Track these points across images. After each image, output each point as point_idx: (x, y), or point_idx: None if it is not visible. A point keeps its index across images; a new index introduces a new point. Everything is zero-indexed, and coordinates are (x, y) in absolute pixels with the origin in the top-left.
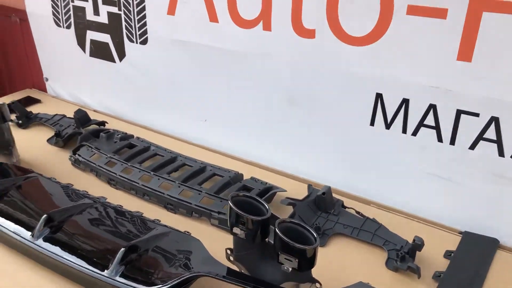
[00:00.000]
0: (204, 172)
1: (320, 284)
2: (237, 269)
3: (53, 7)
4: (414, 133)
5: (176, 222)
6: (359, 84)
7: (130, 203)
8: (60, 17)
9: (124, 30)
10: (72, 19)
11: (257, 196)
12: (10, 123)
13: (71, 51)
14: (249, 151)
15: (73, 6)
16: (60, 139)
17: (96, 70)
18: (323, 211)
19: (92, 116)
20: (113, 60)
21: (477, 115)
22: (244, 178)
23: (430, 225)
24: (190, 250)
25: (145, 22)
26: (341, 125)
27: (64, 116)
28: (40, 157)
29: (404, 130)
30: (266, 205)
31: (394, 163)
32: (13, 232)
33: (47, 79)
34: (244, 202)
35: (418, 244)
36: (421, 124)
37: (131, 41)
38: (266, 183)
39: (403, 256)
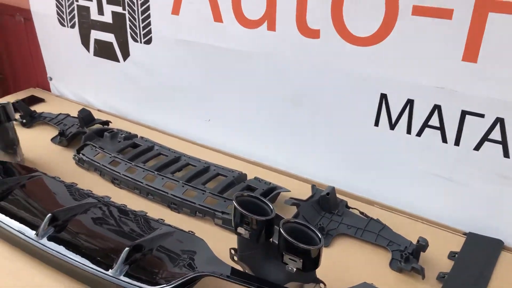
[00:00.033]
0: (207, 172)
1: (325, 285)
2: (241, 269)
3: (57, 6)
4: (419, 134)
5: (179, 222)
6: (364, 84)
7: (134, 202)
8: (65, 17)
9: (128, 30)
10: (76, 19)
11: (261, 196)
12: (14, 122)
13: (75, 51)
14: (253, 151)
15: (78, 5)
16: (64, 138)
17: (100, 69)
18: (327, 212)
19: (96, 115)
20: (117, 60)
21: (482, 116)
22: (248, 178)
23: (434, 226)
24: (194, 250)
25: (150, 22)
26: (345, 125)
27: (68, 115)
28: (44, 156)
29: (409, 131)
30: (271, 205)
31: (399, 164)
32: (17, 231)
33: (51, 79)
34: (248, 202)
35: (422, 245)
36: (425, 124)
37: (135, 40)
38: (270, 183)
39: (407, 257)
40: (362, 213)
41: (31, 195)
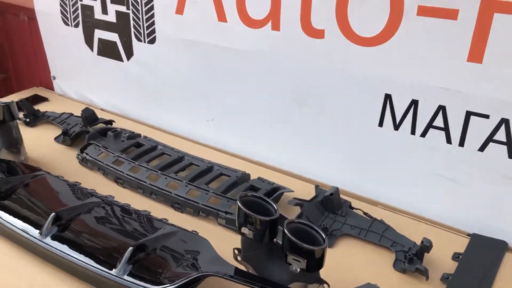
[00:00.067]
0: (211, 172)
1: (328, 285)
2: (245, 269)
3: (61, 5)
4: (423, 135)
5: (183, 221)
6: (368, 84)
7: (137, 202)
8: (68, 16)
9: (132, 29)
10: (80, 18)
11: (265, 196)
12: (18, 121)
13: (79, 50)
14: (256, 151)
15: (81, 4)
16: (68, 138)
17: (104, 69)
18: (331, 212)
19: (99, 114)
20: (120, 59)
21: (487, 116)
22: (251, 178)
23: (438, 226)
24: (197, 250)
25: (153, 21)
26: (349, 125)
27: (71, 114)
28: (48, 155)
29: (413, 131)
30: (275, 206)
31: (402, 164)
32: (21, 230)
33: (54, 78)
34: (252, 202)
35: (426, 246)
36: (430, 125)
37: (139, 40)
38: (274, 183)
39: (411, 257)
40: (365, 213)
41: (35, 194)
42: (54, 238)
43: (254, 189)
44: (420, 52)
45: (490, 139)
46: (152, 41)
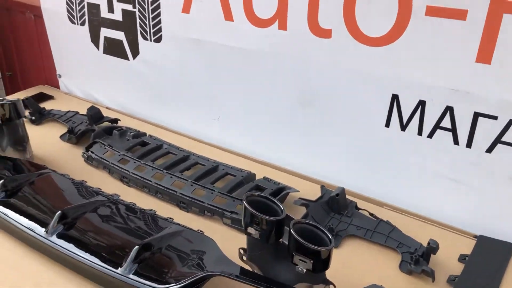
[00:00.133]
0: (216, 171)
1: (334, 286)
2: (250, 269)
3: (67, 4)
4: (430, 135)
5: (188, 221)
6: (375, 85)
7: (143, 201)
8: (75, 14)
9: (138, 28)
10: (86, 16)
11: (270, 196)
12: (24, 119)
13: (85, 48)
14: (262, 150)
15: (88, 3)
16: (73, 136)
17: (110, 67)
18: (336, 213)
19: (105, 113)
20: (126, 58)
21: (495, 118)
22: (257, 178)
23: (445, 228)
24: (203, 249)
25: (160, 20)
26: (355, 126)
27: (77, 112)
28: (53, 154)
29: (420, 132)
30: (281, 206)
31: (409, 165)
32: (27, 228)
33: (60, 76)
34: (258, 202)
35: (433, 247)
36: (437, 126)
37: (145, 38)
38: (279, 183)
39: (417, 259)
40: (371, 214)
41: (41, 192)
42: (60, 236)
43: (259, 189)
44: (428, 53)
45: (498, 140)
46: (158, 40)
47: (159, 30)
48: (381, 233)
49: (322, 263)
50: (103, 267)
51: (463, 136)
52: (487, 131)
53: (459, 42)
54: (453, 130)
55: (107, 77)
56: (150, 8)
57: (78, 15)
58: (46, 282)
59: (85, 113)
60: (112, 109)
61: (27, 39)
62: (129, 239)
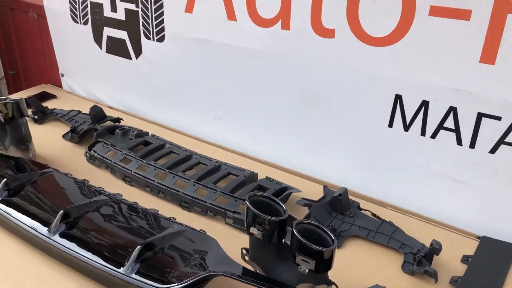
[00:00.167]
0: (219, 171)
1: (337, 286)
2: (253, 269)
3: (70, 3)
4: (433, 136)
5: (190, 220)
6: (378, 85)
7: (145, 200)
8: (78, 13)
9: (141, 27)
10: (89, 16)
11: (273, 196)
12: (26, 118)
13: (88, 47)
14: (265, 150)
15: (91, 2)
16: (76, 135)
17: (112, 66)
18: (339, 213)
19: (107, 112)
20: (129, 57)
21: (499, 118)
22: (259, 177)
23: (447, 229)
24: (205, 249)
25: (163, 20)
26: (358, 126)
27: (79, 112)
28: (56, 153)
29: (423, 133)
30: (284, 206)
31: (412, 166)
32: (29, 227)
33: (62, 75)
34: (261, 202)
35: (435, 248)
36: (440, 126)
37: (148, 38)
38: (282, 183)
39: (420, 259)
40: (374, 215)
41: (43, 191)
42: (62, 235)
43: (262, 188)
44: (432, 53)
45: (501, 141)
46: (161, 39)
47: (162, 29)
48: (383, 233)
49: (324, 263)
50: (105, 266)
51: (466, 137)
52: (490, 131)
53: (463, 42)
54: (457, 130)
55: (109, 77)
56: (153, 7)
57: (81, 15)
58: (48, 281)
59: (87, 112)
60: (115, 108)
61: (30, 38)
62: (132, 238)
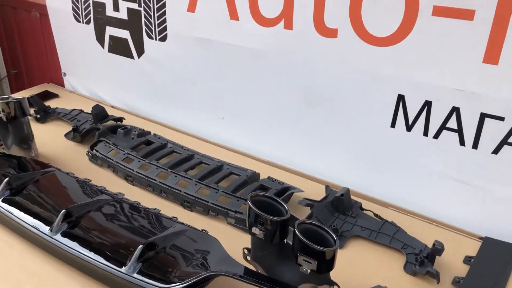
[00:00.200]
0: (221, 171)
1: (339, 287)
2: (254, 269)
3: (73, 2)
4: (436, 136)
5: (192, 220)
6: (381, 85)
7: (147, 199)
8: (80, 13)
9: (144, 27)
10: (91, 15)
11: (275, 196)
12: (29, 117)
13: (90, 47)
14: (267, 150)
15: (93, 1)
16: (78, 134)
17: (115, 66)
18: (341, 213)
19: (110, 112)
20: (131, 57)
21: (502, 119)
22: (261, 177)
23: (450, 229)
24: (207, 249)
25: (165, 19)
26: (361, 126)
27: (81, 111)
28: (58, 152)
29: (426, 133)
30: (286, 206)
31: (414, 166)
32: (31, 226)
33: (65, 74)
34: (263, 202)
35: (438, 249)
36: (443, 127)
37: (150, 37)
38: (284, 183)
39: (422, 260)
40: (376, 215)
41: (45, 190)
42: (64, 235)
43: (264, 188)
44: (435, 53)
45: (504, 141)
46: (163, 39)
47: (164, 29)
48: (386, 234)
49: (326, 263)
50: (107, 266)
51: (469, 137)
52: (493, 132)
53: (466, 42)
54: (459, 131)
55: (112, 76)
56: (156, 6)
57: (84, 14)
58: (50, 280)
59: (89, 111)
60: (117, 107)
61: (33, 37)
62: (133, 238)
